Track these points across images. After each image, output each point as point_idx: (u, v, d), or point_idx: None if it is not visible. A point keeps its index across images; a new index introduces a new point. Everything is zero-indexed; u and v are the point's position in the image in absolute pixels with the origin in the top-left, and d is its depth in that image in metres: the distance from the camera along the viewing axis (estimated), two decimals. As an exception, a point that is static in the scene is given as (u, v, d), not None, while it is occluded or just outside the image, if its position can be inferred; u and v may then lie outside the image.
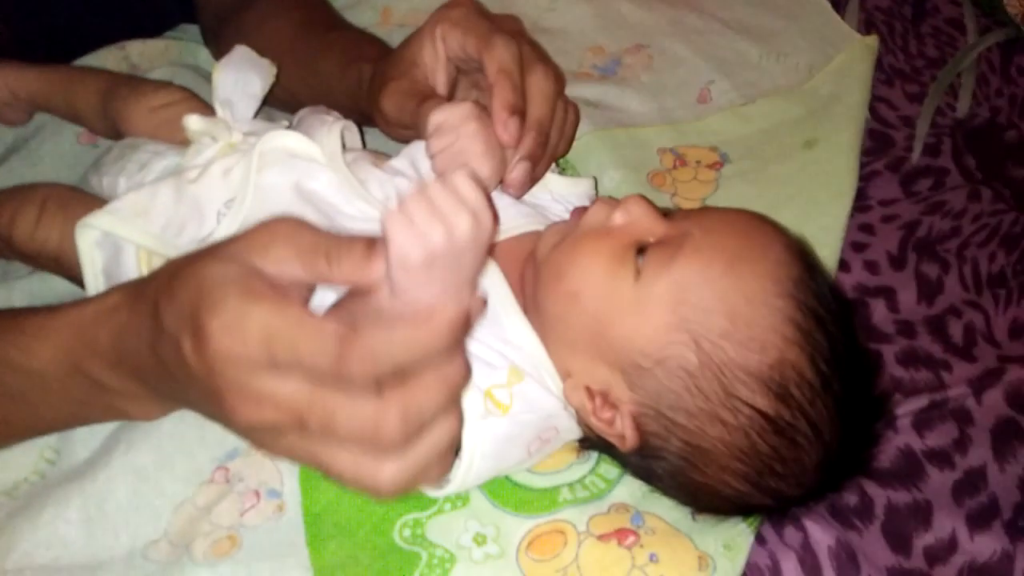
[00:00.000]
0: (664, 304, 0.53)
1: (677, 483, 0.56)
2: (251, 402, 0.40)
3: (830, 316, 0.53)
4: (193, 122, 0.64)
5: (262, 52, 0.68)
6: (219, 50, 0.80)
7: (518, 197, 0.64)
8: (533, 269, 0.59)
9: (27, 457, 0.59)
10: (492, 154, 0.58)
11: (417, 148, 0.64)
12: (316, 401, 0.39)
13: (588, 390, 0.56)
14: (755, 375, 0.52)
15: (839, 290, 0.58)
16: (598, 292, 0.55)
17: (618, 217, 0.57)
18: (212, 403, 0.41)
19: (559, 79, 0.63)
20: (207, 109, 0.67)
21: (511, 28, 0.63)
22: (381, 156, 0.67)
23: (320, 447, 0.41)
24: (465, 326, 0.39)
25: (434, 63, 0.64)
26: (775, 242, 0.56)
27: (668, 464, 0.55)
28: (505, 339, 0.56)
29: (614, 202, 0.59)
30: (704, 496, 0.56)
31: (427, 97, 0.62)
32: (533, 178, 0.62)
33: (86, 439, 0.59)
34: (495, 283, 0.57)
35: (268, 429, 0.41)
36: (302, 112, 0.70)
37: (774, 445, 0.52)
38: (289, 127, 0.66)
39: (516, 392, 0.55)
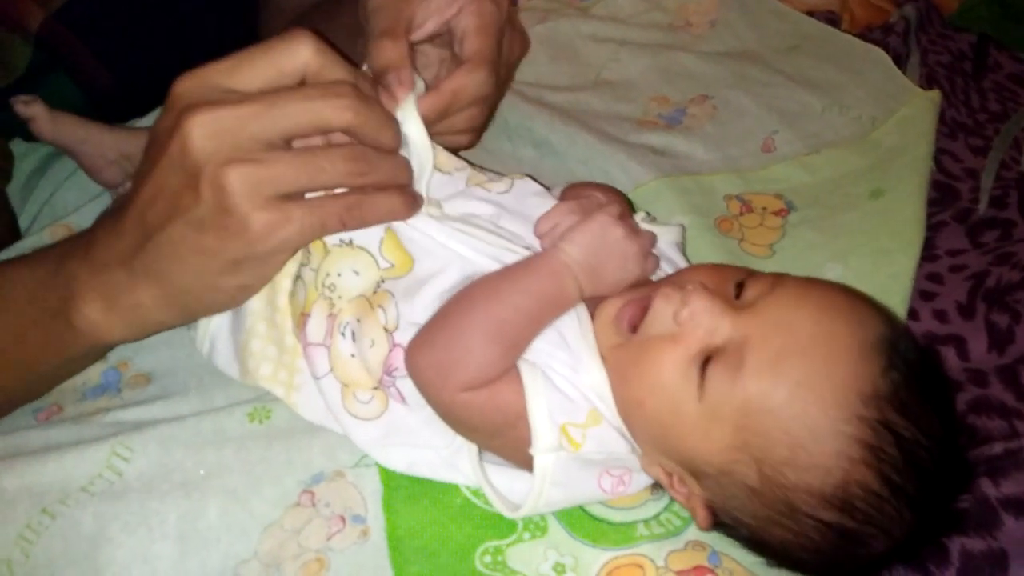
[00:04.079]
0: (727, 426, 0.54)
1: (752, 548, 0.57)
2: (254, 177, 0.50)
3: (906, 420, 0.52)
4: None
5: None
6: None
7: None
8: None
9: (99, 452, 0.61)
10: None
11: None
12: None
13: (663, 468, 0.57)
14: (817, 495, 0.52)
15: (921, 370, 0.55)
16: (663, 406, 0.55)
17: (684, 318, 0.55)
18: (222, 216, 0.51)
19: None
20: None
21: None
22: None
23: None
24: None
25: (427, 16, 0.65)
26: (847, 349, 0.53)
27: (740, 537, 0.57)
28: (584, 383, 0.57)
29: (679, 294, 0.56)
30: (778, 562, 0.57)
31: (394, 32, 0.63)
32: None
33: (159, 437, 0.62)
34: (585, 331, 0.58)
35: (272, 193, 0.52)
36: None
37: (839, 546, 0.53)
38: None
39: (591, 434, 0.56)
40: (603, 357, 0.57)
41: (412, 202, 0.60)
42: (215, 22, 0.92)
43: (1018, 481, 0.61)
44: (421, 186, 0.62)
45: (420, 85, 0.63)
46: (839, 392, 0.52)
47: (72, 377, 0.67)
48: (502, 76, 0.69)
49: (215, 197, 0.51)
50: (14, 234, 0.82)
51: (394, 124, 0.58)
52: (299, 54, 0.54)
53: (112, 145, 0.77)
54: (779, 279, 0.58)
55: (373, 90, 0.60)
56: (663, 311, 0.56)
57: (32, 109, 0.76)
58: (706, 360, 0.55)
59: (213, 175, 0.51)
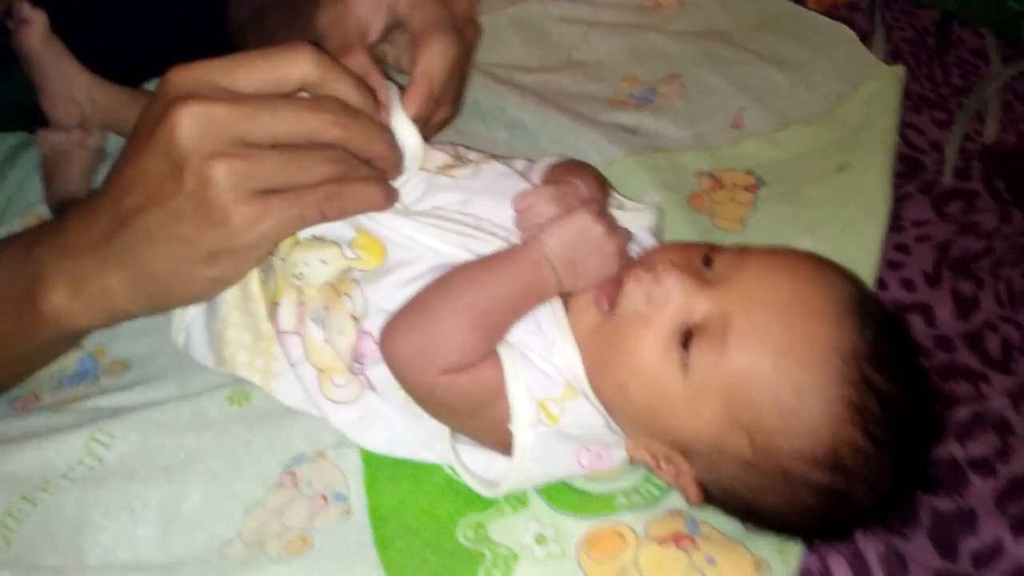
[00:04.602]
0: (715, 401, 0.54)
1: (739, 517, 0.58)
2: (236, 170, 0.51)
3: (882, 376, 0.54)
4: None
5: None
6: None
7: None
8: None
9: (78, 439, 0.61)
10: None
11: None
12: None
13: (649, 451, 0.58)
14: (809, 458, 0.53)
15: (892, 328, 0.57)
16: (647, 387, 0.56)
17: (657, 299, 0.56)
18: (203, 207, 0.51)
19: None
20: None
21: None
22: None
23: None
24: None
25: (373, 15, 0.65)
26: (822, 313, 0.55)
27: (730, 509, 0.58)
28: (557, 363, 0.58)
29: (650, 276, 0.57)
30: (765, 526, 0.58)
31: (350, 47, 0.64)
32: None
33: (138, 423, 0.62)
34: (559, 316, 0.59)
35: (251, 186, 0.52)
36: None
37: (831, 504, 0.55)
38: None
39: (568, 408, 0.57)
40: (579, 345, 0.58)
41: (391, 193, 0.60)
42: (186, 13, 0.91)
43: (984, 442, 0.63)
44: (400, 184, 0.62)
45: (394, 90, 0.63)
46: (821, 355, 0.53)
47: (47, 365, 0.67)
48: (462, 30, 0.68)
49: (198, 188, 0.51)
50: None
51: (385, 135, 0.59)
52: (299, 65, 0.54)
53: (84, 84, 0.75)
54: (744, 251, 0.59)
55: (373, 99, 0.59)
56: (635, 293, 0.57)
57: (36, 15, 0.73)
58: (687, 338, 0.55)
59: (198, 166, 0.51)
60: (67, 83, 0.76)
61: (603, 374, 0.57)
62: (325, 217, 0.56)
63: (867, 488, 0.54)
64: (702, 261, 0.59)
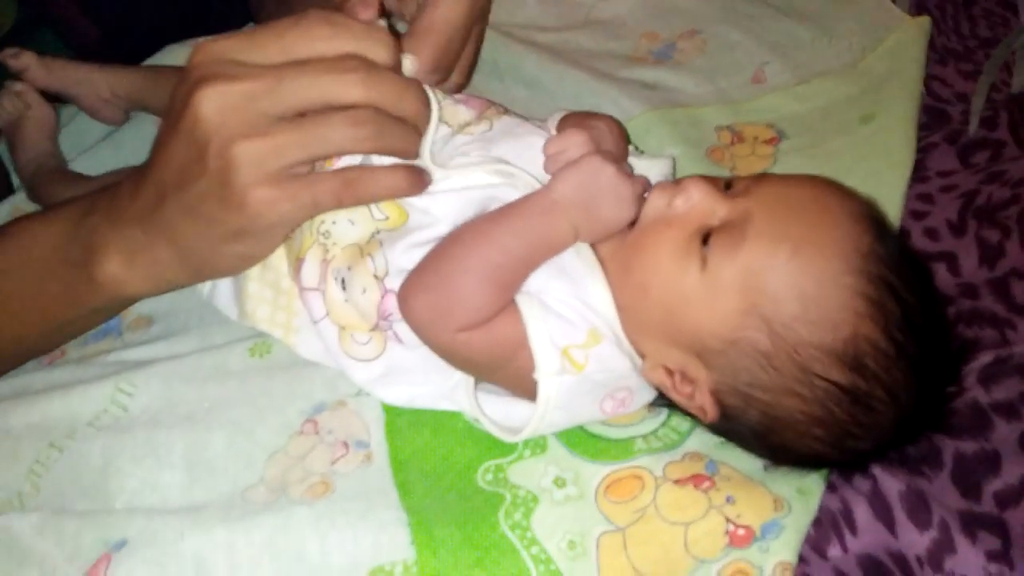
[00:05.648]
0: (732, 291, 0.54)
1: (757, 443, 0.58)
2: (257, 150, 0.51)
3: (901, 282, 0.54)
4: None
5: None
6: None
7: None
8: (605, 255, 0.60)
9: (103, 389, 0.63)
10: None
11: None
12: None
13: (666, 368, 0.58)
14: (829, 351, 0.53)
15: (910, 251, 0.59)
16: (666, 284, 0.56)
17: (679, 203, 0.58)
18: (223, 189, 0.52)
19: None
20: None
21: None
22: None
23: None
24: None
25: None
26: (841, 214, 0.56)
27: (748, 429, 0.57)
28: (588, 303, 0.58)
29: (673, 186, 0.59)
30: (783, 453, 0.58)
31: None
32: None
33: (162, 374, 0.63)
34: (582, 251, 0.59)
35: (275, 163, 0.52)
36: None
37: (852, 412, 0.54)
38: None
39: (592, 354, 0.57)
40: (606, 270, 0.58)
41: (418, 179, 0.58)
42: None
43: (1008, 387, 0.62)
44: (426, 145, 0.61)
45: (408, 61, 0.62)
46: (841, 249, 0.54)
47: (84, 333, 0.68)
48: None
49: (218, 171, 0.52)
50: (7, 189, 0.83)
51: (412, 89, 0.57)
52: (318, 33, 0.54)
53: (103, 85, 0.78)
54: (763, 175, 0.59)
55: (396, 52, 0.58)
56: (659, 200, 0.58)
57: (22, 60, 0.76)
58: (707, 237, 0.56)
59: (219, 149, 0.51)
60: (91, 90, 0.79)
61: (626, 282, 0.58)
62: (341, 204, 0.56)
63: (888, 398, 0.54)
64: (723, 186, 0.60)
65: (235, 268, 0.62)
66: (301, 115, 0.53)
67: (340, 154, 0.57)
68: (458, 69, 0.71)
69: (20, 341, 0.64)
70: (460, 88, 0.73)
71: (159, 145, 0.55)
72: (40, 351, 0.68)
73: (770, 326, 0.53)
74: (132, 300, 0.64)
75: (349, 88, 0.53)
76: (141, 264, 0.58)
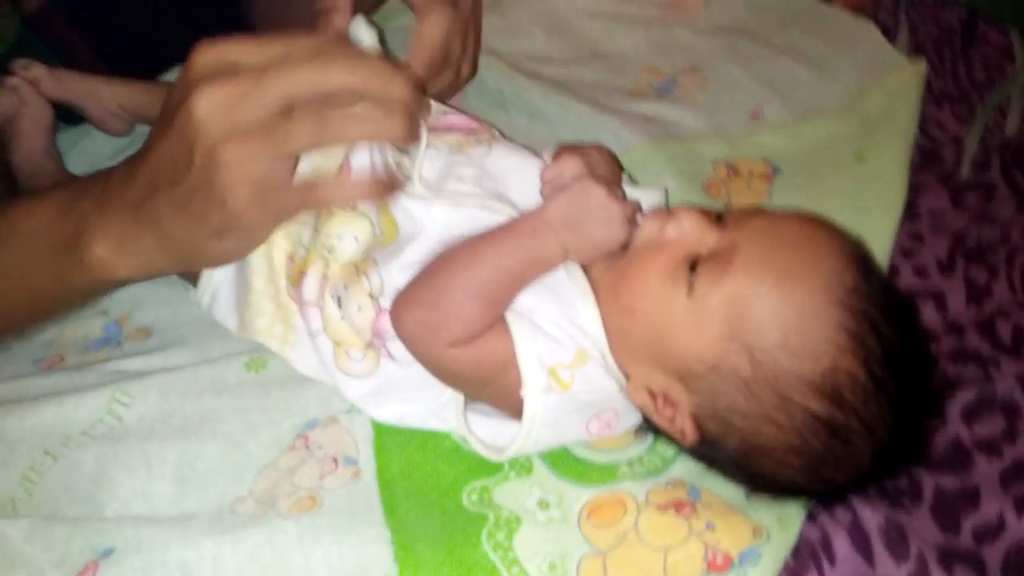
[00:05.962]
0: (717, 318, 0.56)
1: (736, 469, 0.59)
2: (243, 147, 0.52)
3: (884, 318, 0.55)
4: None
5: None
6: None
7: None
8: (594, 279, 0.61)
9: (99, 398, 0.63)
10: None
11: None
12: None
13: (649, 390, 0.59)
14: (808, 381, 0.54)
15: (894, 290, 0.60)
16: (654, 308, 0.58)
17: (670, 231, 0.59)
18: (207, 189, 0.53)
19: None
20: None
21: None
22: None
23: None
24: None
25: None
26: (827, 250, 0.57)
27: (727, 455, 0.58)
28: (577, 324, 0.59)
29: (666, 214, 0.60)
30: (761, 481, 0.58)
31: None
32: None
33: (158, 385, 0.64)
34: (574, 273, 0.60)
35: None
36: None
37: (828, 443, 0.55)
38: None
39: (579, 374, 0.58)
40: (596, 292, 0.59)
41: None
42: (205, 9, 0.94)
43: (990, 424, 0.63)
44: (415, 166, 0.63)
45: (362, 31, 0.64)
46: (823, 282, 0.55)
47: (74, 313, 0.70)
48: (456, 1, 0.70)
49: (204, 171, 0.53)
50: (11, 190, 0.84)
51: (402, 75, 0.55)
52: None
53: (110, 97, 0.80)
54: (754, 210, 0.60)
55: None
56: (651, 226, 0.60)
57: (33, 72, 0.78)
58: (695, 264, 0.57)
59: (206, 151, 0.52)
60: (99, 103, 0.81)
61: (615, 304, 0.59)
62: (316, 207, 0.59)
63: (865, 431, 0.54)
64: (715, 218, 0.61)
65: (221, 261, 0.63)
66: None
67: (329, 144, 0.55)
68: (466, 61, 0.74)
69: (7, 318, 0.65)
70: (469, 79, 0.75)
71: (153, 139, 0.57)
72: (26, 329, 0.69)
73: (752, 353, 0.54)
74: (120, 283, 0.65)
75: (332, 73, 0.53)
76: (129, 251, 0.58)
